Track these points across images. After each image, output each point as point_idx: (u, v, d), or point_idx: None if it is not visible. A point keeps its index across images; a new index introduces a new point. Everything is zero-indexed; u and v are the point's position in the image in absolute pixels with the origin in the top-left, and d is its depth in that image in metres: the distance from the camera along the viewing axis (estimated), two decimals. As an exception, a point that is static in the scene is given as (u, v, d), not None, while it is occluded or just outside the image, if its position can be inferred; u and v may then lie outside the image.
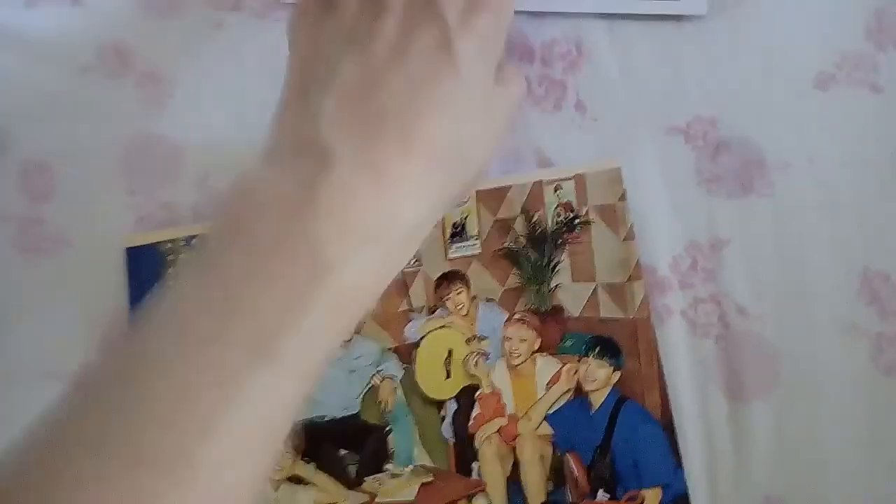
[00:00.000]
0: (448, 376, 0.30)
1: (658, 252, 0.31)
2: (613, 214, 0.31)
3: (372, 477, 0.29)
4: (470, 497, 0.29)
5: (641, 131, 0.32)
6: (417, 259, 0.31)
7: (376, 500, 0.29)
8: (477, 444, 0.29)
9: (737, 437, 0.29)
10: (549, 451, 0.29)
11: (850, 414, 0.29)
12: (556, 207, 0.31)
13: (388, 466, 0.29)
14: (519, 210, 0.31)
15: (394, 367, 0.30)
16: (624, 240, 0.31)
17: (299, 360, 0.17)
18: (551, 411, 0.29)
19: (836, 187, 0.31)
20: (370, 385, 0.30)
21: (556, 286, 0.31)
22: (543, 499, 0.29)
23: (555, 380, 0.30)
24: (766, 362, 0.30)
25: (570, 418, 0.30)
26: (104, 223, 0.32)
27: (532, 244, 0.31)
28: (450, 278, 0.31)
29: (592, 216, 0.31)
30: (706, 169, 0.31)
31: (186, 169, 0.32)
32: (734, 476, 0.29)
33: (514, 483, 0.29)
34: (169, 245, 0.31)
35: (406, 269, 0.31)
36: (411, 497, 0.29)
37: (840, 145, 0.31)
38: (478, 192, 0.31)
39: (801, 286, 0.30)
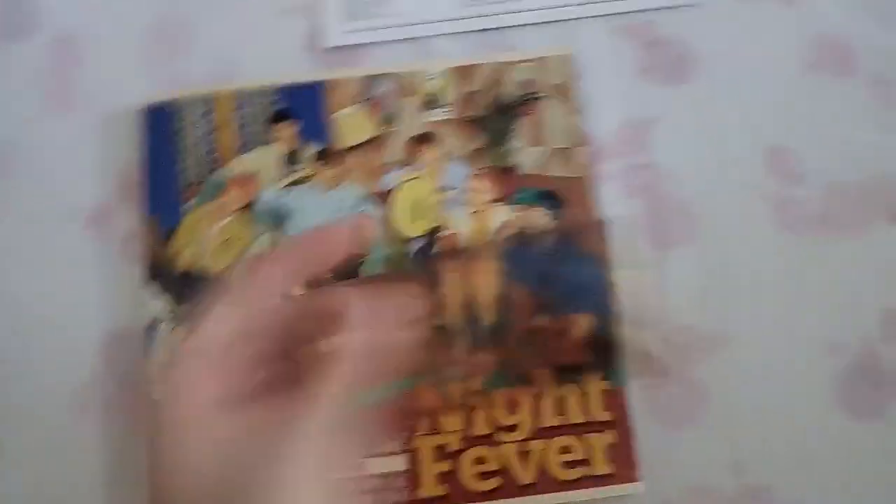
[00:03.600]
0: (417, 218, 0.36)
1: (603, 125, 0.37)
2: (565, 92, 0.37)
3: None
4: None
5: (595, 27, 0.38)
6: (393, 122, 0.36)
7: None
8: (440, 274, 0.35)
9: (661, 275, 0.35)
10: (499, 281, 0.35)
11: (754, 259, 0.35)
12: (517, 84, 0.37)
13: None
14: (486, 84, 0.37)
15: (373, 209, 0.36)
16: (572, 113, 0.36)
17: None
18: (503, 249, 0.35)
19: (750, 75, 0.37)
20: (354, 221, 0.35)
21: (514, 148, 0.36)
22: (494, 320, 0.34)
23: (507, 224, 0.35)
24: (686, 218, 0.35)
25: (518, 255, 0.35)
26: (123, 86, 0.38)
27: (495, 113, 0.37)
28: (423, 139, 0.36)
29: (547, 92, 0.37)
30: (646, 59, 0.37)
31: (199, 42, 0.38)
32: (658, 306, 0.34)
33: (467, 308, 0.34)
34: (180, 103, 0.36)
35: (383, 132, 0.36)
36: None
37: (759, 45, 0.37)
38: (452, 68, 0.37)
39: (718, 157, 0.36)
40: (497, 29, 0.38)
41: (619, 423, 0.33)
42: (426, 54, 0.38)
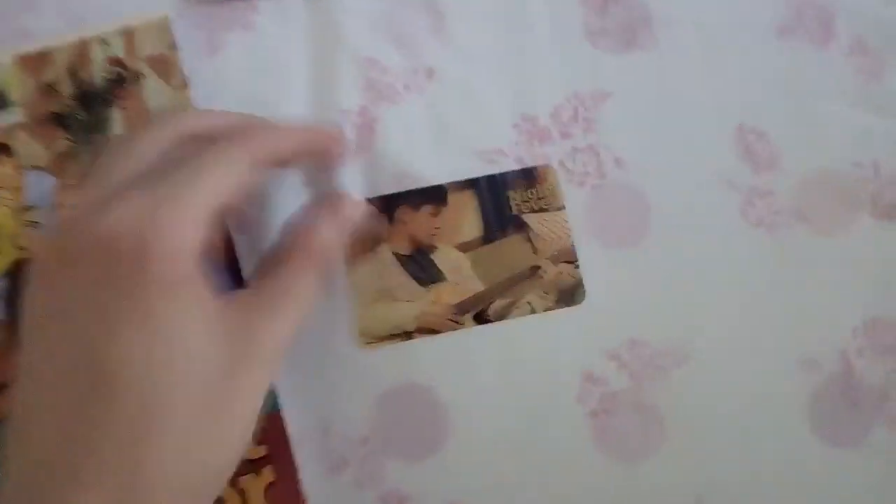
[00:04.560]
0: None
1: (539, 102, 0.30)
2: (164, 65, 0.30)
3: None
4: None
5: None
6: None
7: None
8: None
9: (610, 281, 0.29)
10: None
11: (718, 260, 0.29)
12: (104, 64, 0.30)
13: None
14: (65, 71, 0.30)
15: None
16: (177, 89, 0.30)
17: None
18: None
19: (718, 47, 0.31)
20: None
21: (111, 143, 0.29)
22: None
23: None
24: (639, 213, 0.30)
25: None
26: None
27: (81, 104, 0.30)
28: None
29: (143, 68, 0.30)
30: (593, 22, 0.31)
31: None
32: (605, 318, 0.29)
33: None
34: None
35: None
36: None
37: (727, 7, 0.31)
38: (18, 57, 0.30)
39: (678, 140, 0.30)
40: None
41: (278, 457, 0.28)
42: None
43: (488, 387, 0.29)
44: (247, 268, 0.28)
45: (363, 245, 0.29)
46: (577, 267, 0.29)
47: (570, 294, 0.29)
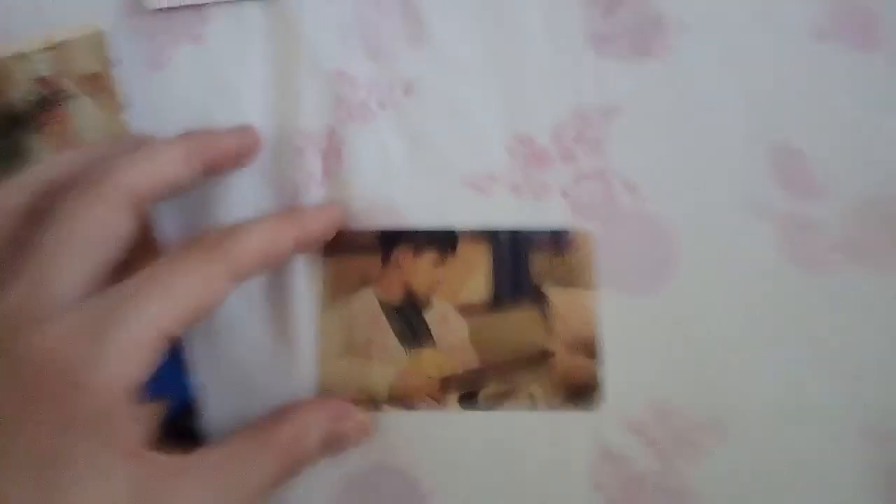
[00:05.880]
0: None
1: (537, 120, 0.26)
2: (98, 84, 0.26)
3: None
4: None
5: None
6: None
7: None
8: None
9: (629, 334, 0.24)
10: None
11: (761, 307, 0.24)
12: (27, 83, 0.26)
13: None
14: None
15: None
16: (111, 111, 0.26)
17: None
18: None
19: (744, 53, 0.26)
20: None
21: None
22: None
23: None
24: (661, 250, 0.25)
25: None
26: None
27: (4, 127, 0.25)
28: None
29: (72, 89, 0.26)
30: (597, 27, 0.27)
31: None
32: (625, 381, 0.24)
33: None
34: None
35: None
36: None
37: (755, 8, 0.27)
38: None
39: (700, 163, 0.25)
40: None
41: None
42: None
43: (478, 473, 0.23)
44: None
45: (346, 282, 0.24)
46: (599, 365, 0.24)
47: (582, 395, 0.24)
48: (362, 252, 0.24)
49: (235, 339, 0.24)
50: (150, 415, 0.21)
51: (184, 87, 0.26)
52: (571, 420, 0.23)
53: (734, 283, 0.24)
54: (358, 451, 0.23)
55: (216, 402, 0.24)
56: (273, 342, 0.24)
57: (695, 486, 0.23)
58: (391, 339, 0.24)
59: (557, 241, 0.25)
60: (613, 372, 0.24)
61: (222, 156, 0.23)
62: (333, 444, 0.22)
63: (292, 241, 0.22)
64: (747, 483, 0.23)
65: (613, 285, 0.24)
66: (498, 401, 0.24)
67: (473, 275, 0.24)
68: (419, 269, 0.24)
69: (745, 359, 0.24)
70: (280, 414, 0.22)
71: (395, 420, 0.23)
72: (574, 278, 0.24)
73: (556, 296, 0.24)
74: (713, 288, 0.24)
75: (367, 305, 0.24)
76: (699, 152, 0.25)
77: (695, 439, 0.23)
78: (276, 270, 0.24)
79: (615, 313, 0.24)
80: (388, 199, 0.25)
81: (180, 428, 0.23)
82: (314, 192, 0.25)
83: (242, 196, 0.25)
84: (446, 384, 0.24)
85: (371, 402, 0.24)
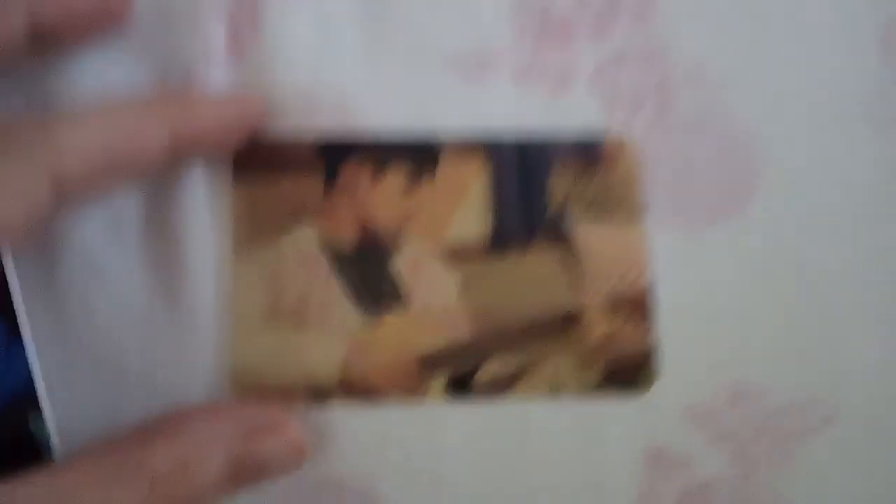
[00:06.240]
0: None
1: (554, -26, 0.18)
2: None
3: None
4: None
5: None
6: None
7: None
8: None
9: (688, 283, 0.16)
10: None
11: (866, 245, 0.17)
12: None
13: None
14: None
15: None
16: None
17: None
18: None
19: None
20: None
21: None
22: None
23: None
24: (736, 162, 0.17)
25: None
26: None
27: None
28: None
29: None
30: None
31: None
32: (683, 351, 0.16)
33: None
34: None
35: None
36: None
37: None
38: None
39: (792, 40, 0.18)
40: None
41: None
42: None
43: (472, 492, 0.16)
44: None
45: (269, 217, 0.16)
46: (651, 331, 0.16)
47: (627, 375, 0.16)
48: (294, 171, 0.16)
49: (98, 304, 0.16)
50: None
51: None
52: (611, 410, 0.16)
53: (838, 212, 0.17)
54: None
55: (65, 398, 0.15)
56: (156, 308, 0.16)
57: (784, 495, 0.16)
58: (340, 300, 0.16)
59: (586, 152, 0.17)
60: (671, 340, 0.16)
61: None
62: (248, 474, 0.14)
63: (166, 136, 0.13)
64: (853, 493, 0.17)
65: (668, 215, 0.17)
66: (503, 386, 0.16)
67: (463, 204, 0.17)
68: (382, 197, 0.16)
69: (855, 321, 0.17)
70: (163, 424, 0.14)
71: (350, 419, 0.16)
72: (611, 206, 0.17)
73: (586, 232, 0.17)
74: (810, 219, 0.17)
75: (301, 250, 0.16)
76: (790, 26, 0.18)
77: (784, 433, 0.16)
78: (158, 201, 0.16)
79: (672, 256, 0.17)
80: (332, 90, 0.17)
81: (10, 434, 0.17)
82: (214, 75, 0.16)
83: (97, 76, 0.16)
84: (425, 364, 0.16)
85: (312, 393, 0.16)
